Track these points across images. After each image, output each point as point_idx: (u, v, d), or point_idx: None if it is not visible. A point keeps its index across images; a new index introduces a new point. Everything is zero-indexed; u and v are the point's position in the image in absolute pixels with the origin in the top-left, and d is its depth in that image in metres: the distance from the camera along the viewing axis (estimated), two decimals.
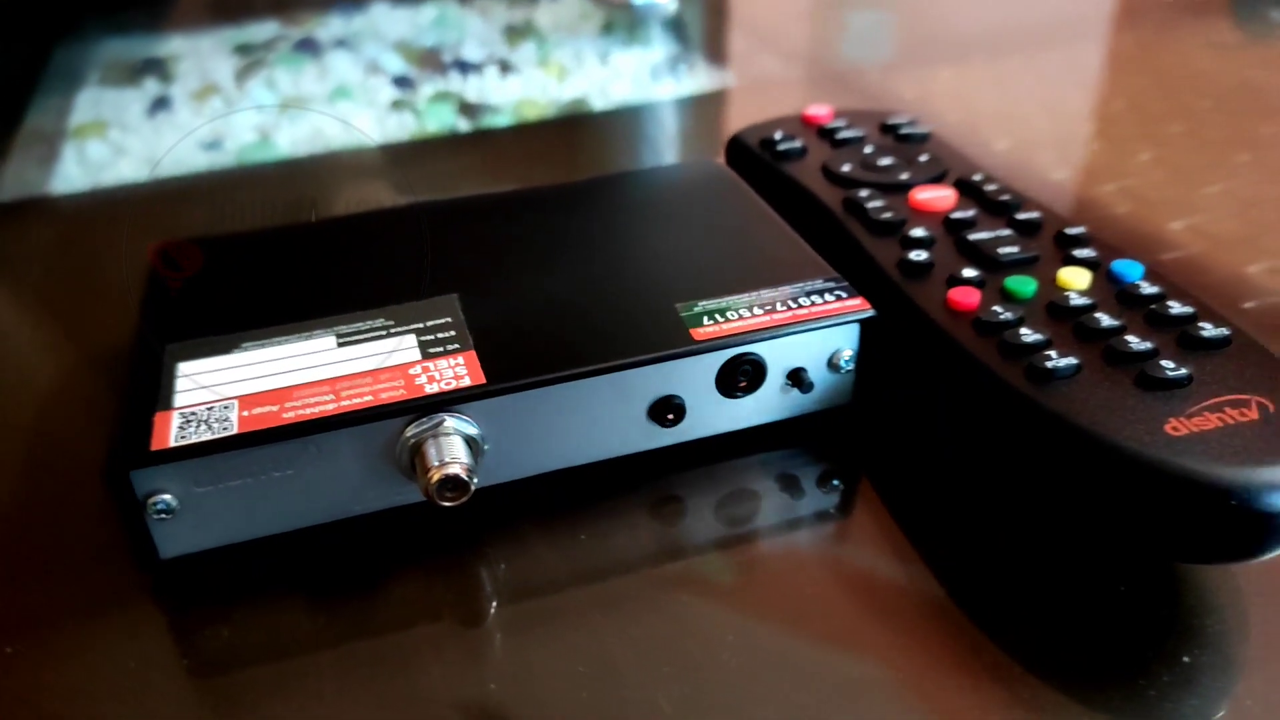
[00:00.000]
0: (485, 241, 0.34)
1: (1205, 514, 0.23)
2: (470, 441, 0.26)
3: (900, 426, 0.31)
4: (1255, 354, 0.27)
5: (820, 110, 0.42)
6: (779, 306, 0.29)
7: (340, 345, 0.28)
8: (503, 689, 0.24)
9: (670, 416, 0.29)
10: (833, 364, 0.30)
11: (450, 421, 0.26)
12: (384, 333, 0.29)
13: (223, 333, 0.29)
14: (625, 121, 0.58)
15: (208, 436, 0.25)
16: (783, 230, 0.34)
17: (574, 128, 0.57)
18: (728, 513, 0.29)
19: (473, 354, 0.28)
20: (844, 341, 0.29)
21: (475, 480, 0.26)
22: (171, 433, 0.25)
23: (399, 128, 0.58)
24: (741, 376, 0.29)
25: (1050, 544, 0.27)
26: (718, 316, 0.29)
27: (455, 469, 0.25)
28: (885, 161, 0.38)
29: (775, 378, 0.29)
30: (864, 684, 0.24)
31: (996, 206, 0.34)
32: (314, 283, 0.32)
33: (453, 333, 0.28)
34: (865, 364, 0.30)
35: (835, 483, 0.29)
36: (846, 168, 0.37)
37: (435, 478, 0.25)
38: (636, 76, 0.63)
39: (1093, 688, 0.24)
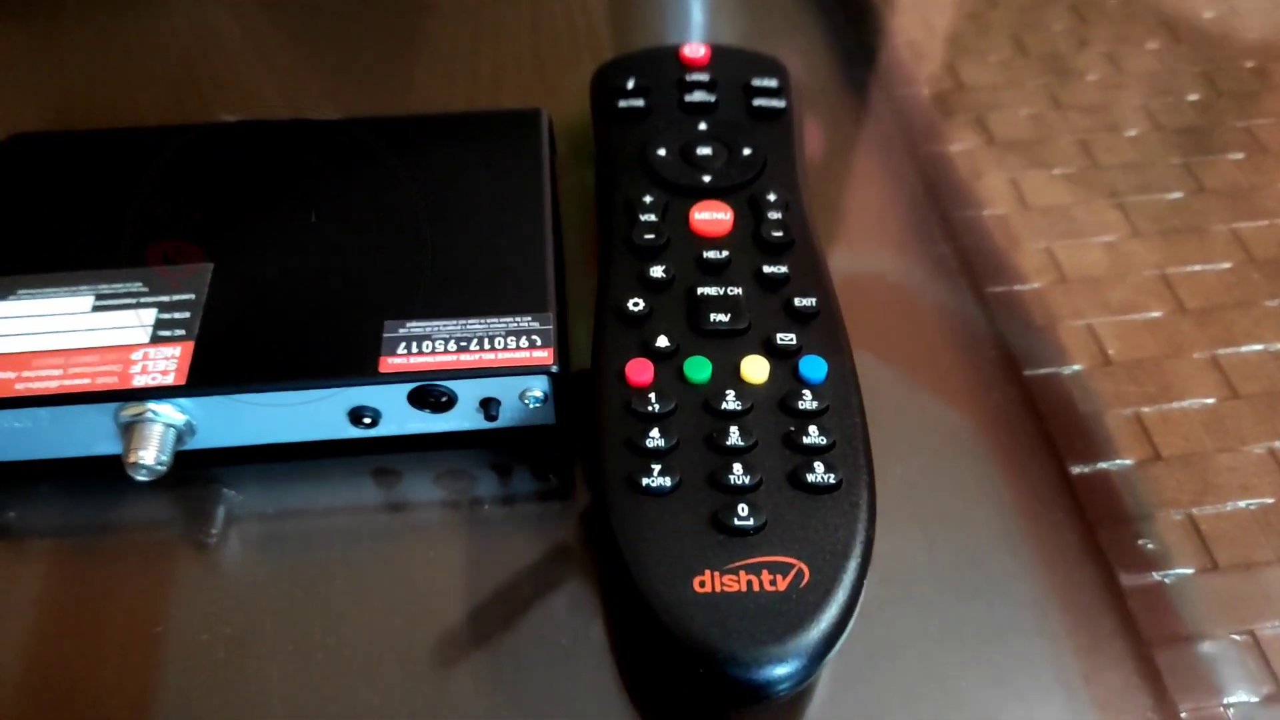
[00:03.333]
0: (269, 187, 0.36)
1: (683, 675, 0.25)
2: (174, 428, 0.31)
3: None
4: (853, 509, 0.27)
5: (697, 51, 0.40)
6: (473, 346, 0.31)
7: (94, 310, 0.33)
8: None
9: (367, 421, 0.32)
10: (522, 399, 0.32)
11: (153, 410, 0.31)
12: (134, 301, 0.33)
13: (12, 271, 0.33)
14: None
15: None
16: (537, 234, 0.34)
17: None
18: (400, 490, 0.33)
19: (191, 345, 0.32)
20: (532, 383, 0.32)
21: (164, 466, 0.31)
22: None
23: None
24: (432, 399, 0.32)
25: None
26: (414, 346, 0.31)
27: (143, 457, 0.30)
28: (704, 151, 0.36)
29: (467, 403, 0.32)
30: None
31: (765, 245, 0.33)
32: (117, 216, 0.35)
33: (188, 314, 0.32)
34: (566, 397, 0.33)
35: (503, 488, 0.33)
36: (661, 152, 0.36)
37: (128, 459, 0.30)
38: None
39: None
